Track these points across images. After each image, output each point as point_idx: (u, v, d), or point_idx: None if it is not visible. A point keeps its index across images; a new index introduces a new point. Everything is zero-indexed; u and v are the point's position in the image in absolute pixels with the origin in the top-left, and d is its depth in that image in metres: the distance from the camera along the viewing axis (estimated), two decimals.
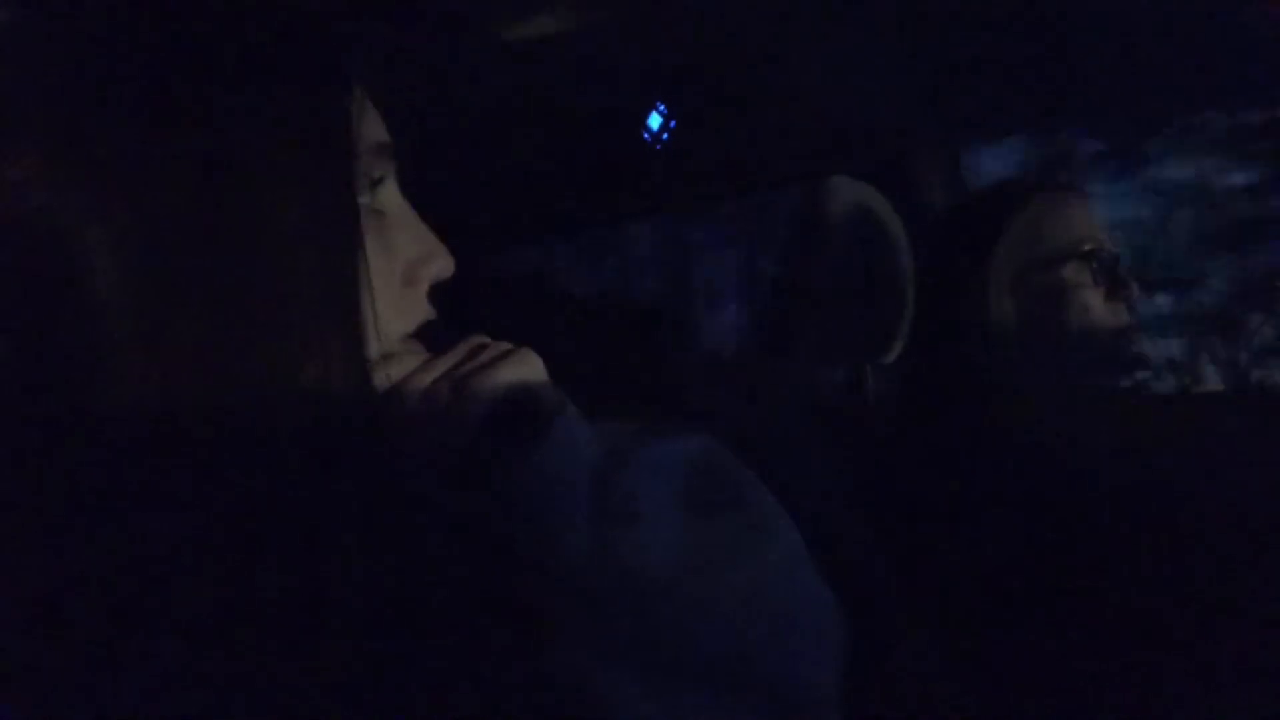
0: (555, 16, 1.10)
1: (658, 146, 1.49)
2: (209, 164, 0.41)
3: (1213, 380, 1.65)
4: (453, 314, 0.53)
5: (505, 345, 0.52)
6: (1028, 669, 0.87)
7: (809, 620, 0.52)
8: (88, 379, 0.40)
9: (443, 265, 0.51)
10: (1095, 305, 1.05)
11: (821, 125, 1.50)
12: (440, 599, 0.46)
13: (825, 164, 1.40)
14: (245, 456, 0.40)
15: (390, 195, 0.50)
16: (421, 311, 0.51)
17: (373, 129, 0.48)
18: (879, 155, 1.51)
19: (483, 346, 0.51)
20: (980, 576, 0.93)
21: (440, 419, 0.48)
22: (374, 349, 0.46)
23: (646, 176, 1.58)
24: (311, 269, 0.42)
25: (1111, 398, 1.11)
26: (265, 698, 0.39)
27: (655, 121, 1.46)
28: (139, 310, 0.40)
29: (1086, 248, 1.06)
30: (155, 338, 0.40)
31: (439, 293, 0.52)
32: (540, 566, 0.49)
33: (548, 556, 0.49)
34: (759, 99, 1.43)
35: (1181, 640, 0.82)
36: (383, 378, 0.47)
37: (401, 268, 0.49)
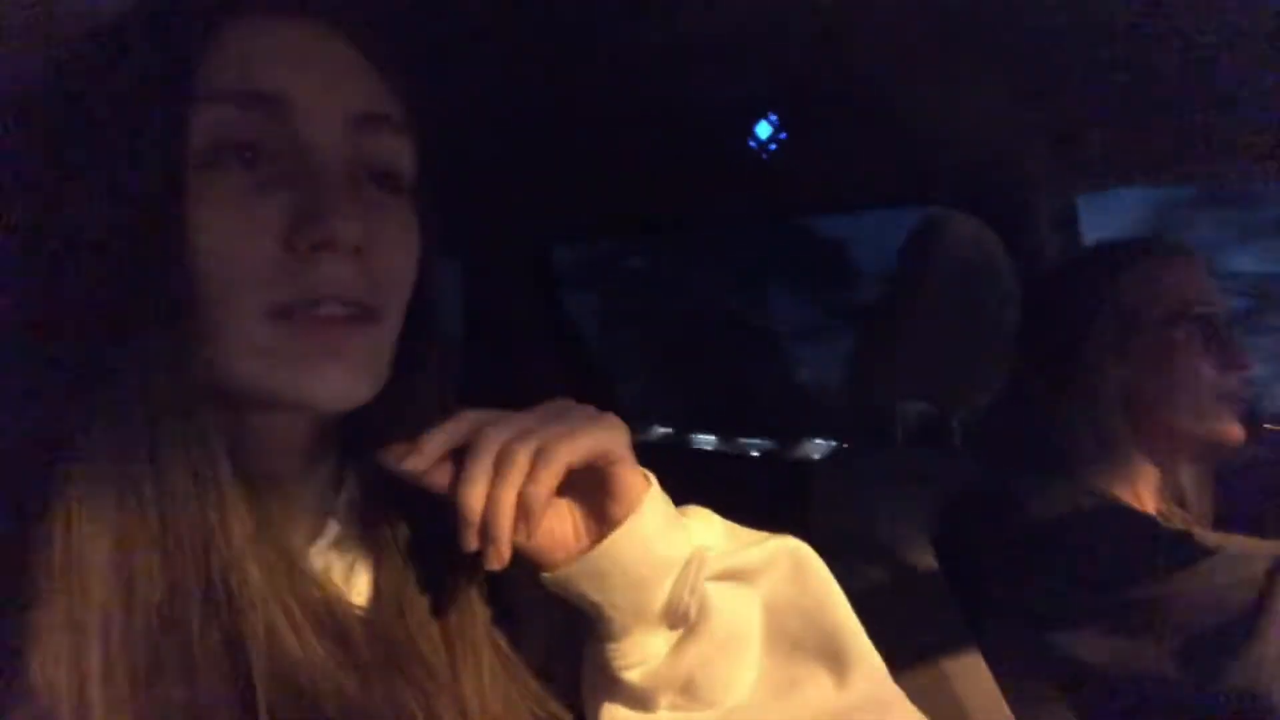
0: (681, 20, 1.08)
1: (764, 155, 1.45)
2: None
3: None
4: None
5: (591, 409, 0.48)
6: None
7: None
8: None
9: (325, 229, 0.43)
10: (1205, 372, 1.00)
11: (938, 154, 1.45)
12: None
13: (937, 194, 1.34)
14: None
15: (275, 150, 0.45)
16: (310, 284, 0.44)
17: (244, 78, 0.44)
18: (997, 193, 1.45)
19: (567, 408, 0.48)
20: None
21: (510, 486, 0.44)
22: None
23: (750, 185, 1.55)
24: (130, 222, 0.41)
25: None
26: None
27: (764, 130, 1.42)
28: None
29: (1198, 311, 1.00)
30: None
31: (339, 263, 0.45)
32: (587, 654, 0.50)
33: (602, 642, 0.49)
34: (875, 120, 1.38)
35: None
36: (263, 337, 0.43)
37: (278, 230, 0.43)
